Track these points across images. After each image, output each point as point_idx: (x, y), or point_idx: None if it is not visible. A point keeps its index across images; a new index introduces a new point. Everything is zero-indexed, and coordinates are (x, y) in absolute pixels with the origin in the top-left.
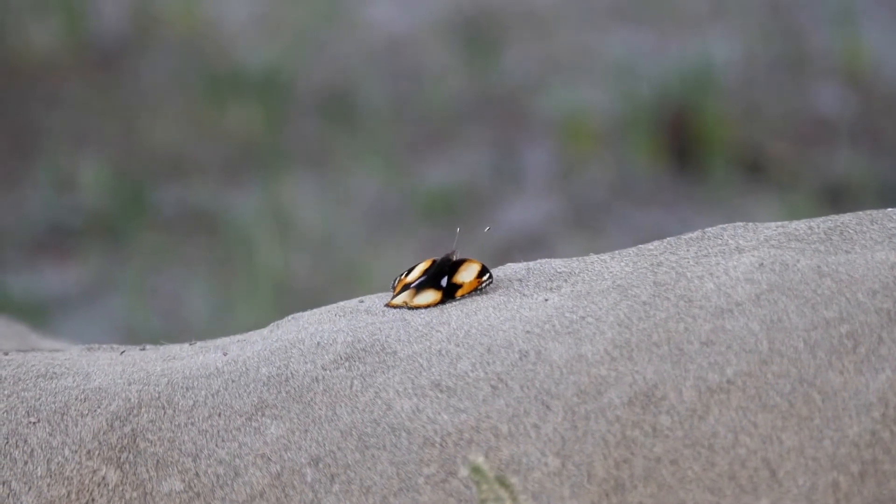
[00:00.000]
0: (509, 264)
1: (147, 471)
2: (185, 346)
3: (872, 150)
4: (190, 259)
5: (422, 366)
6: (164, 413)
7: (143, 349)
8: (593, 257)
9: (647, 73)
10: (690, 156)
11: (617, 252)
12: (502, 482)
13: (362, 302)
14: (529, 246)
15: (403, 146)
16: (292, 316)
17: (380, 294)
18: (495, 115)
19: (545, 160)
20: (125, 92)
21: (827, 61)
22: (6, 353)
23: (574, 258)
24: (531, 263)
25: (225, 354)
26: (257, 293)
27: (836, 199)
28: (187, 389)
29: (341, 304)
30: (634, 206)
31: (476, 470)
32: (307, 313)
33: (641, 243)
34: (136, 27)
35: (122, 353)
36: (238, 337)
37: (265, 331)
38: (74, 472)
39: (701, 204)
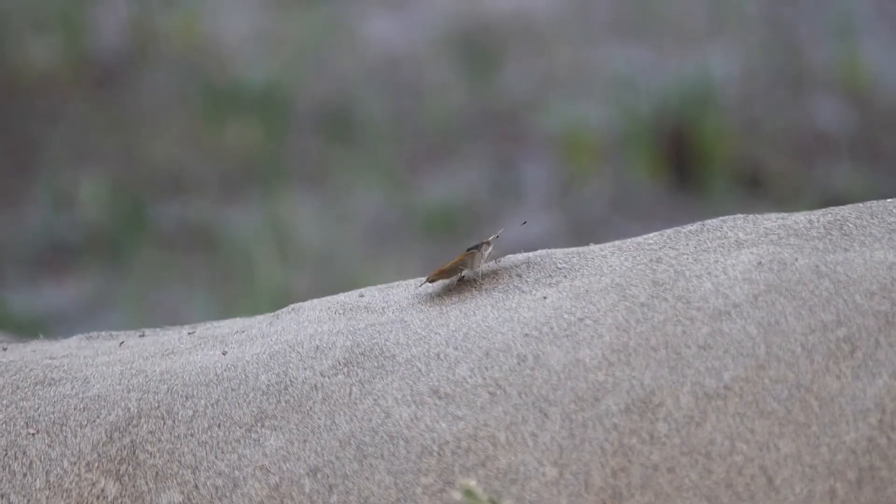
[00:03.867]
0: (509, 255)
1: (146, 483)
2: (184, 334)
3: (872, 164)
4: (189, 275)
5: (420, 371)
6: (164, 424)
7: (143, 335)
8: (594, 249)
9: (647, 88)
10: (690, 171)
11: (617, 245)
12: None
13: (362, 296)
14: None
15: (403, 162)
16: (292, 307)
17: (379, 286)
18: (494, 130)
19: (544, 176)
20: (124, 108)
21: (826, 76)
22: (5, 348)
23: (574, 250)
24: (532, 255)
25: (224, 354)
26: (257, 309)
27: None
28: (187, 398)
29: (341, 297)
30: (634, 221)
31: (469, 493)
32: (307, 305)
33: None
34: (136, 43)
35: (121, 343)
36: (237, 327)
37: (265, 324)
38: (73, 484)
39: (700, 219)
